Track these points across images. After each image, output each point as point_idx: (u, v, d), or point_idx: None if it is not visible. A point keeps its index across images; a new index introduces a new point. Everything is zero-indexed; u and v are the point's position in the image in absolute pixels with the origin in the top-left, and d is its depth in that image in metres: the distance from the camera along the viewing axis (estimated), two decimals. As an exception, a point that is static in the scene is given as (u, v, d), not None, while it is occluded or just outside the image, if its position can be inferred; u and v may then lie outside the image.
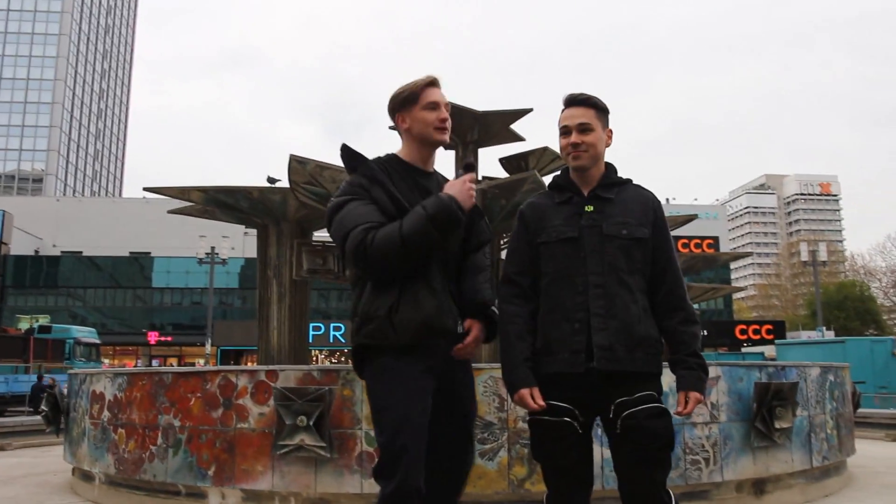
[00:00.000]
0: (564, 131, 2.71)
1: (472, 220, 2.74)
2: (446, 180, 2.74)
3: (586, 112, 2.70)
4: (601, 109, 2.73)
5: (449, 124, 2.72)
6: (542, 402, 2.53)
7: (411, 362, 2.52)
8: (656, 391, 2.57)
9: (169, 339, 50.20)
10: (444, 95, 2.72)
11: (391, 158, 2.73)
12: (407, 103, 2.68)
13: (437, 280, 2.57)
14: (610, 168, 2.77)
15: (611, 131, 2.78)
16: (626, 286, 2.59)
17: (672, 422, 2.54)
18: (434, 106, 2.66)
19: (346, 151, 2.70)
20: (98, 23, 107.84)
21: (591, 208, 2.66)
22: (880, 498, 5.61)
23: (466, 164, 2.65)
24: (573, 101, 2.73)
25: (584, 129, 2.67)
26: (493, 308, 2.71)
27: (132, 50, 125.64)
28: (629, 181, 2.79)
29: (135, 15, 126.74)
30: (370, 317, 2.54)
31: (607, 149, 2.77)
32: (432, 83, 2.69)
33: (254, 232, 8.31)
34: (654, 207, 2.72)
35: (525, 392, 2.55)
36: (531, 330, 2.65)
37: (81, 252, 53.97)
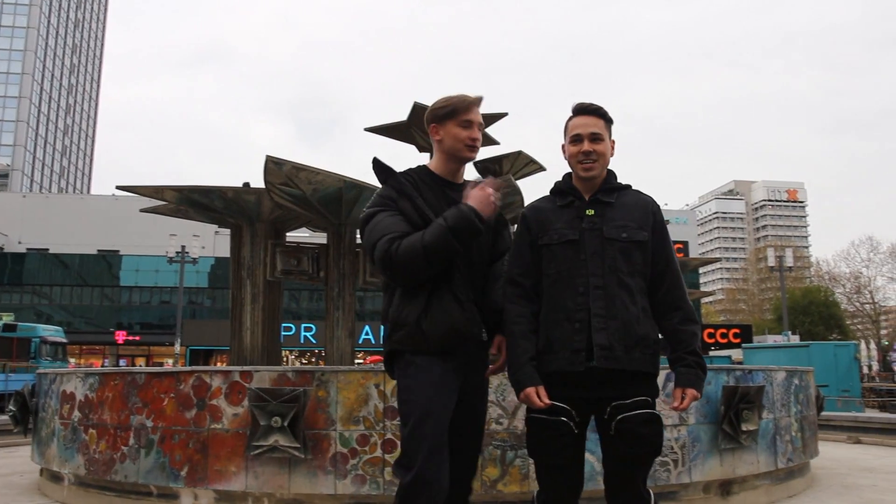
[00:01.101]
0: (576, 139, 2.79)
1: (497, 230, 2.88)
2: None
3: (597, 122, 2.80)
4: (609, 120, 2.85)
5: (479, 143, 2.83)
6: (547, 401, 2.62)
7: (440, 362, 2.64)
8: (652, 395, 2.68)
9: (137, 338, 49.50)
10: (479, 115, 2.82)
11: (421, 170, 2.85)
12: (444, 117, 2.79)
13: (462, 289, 2.68)
14: (610, 174, 2.86)
15: (614, 142, 2.87)
16: (625, 287, 2.68)
17: (662, 428, 2.66)
18: (468, 124, 2.78)
19: (378, 165, 2.80)
20: (67, 17, 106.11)
21: (592, 212, 2.76)
22: (842, 498, 5.76)
23: (484, 170, 2.74)
24: (584, 111, 2.82)
25: (596, 138, 2.77)
26: None
27: (102, 45, 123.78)
28: (629, 186, 2.88)
29: (105, 9, 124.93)
30: (400, 323, 2.67)
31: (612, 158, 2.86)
32: (473, 103, 2.79)
33: (225, 231, 8.28)
34: (653, 211, 2.82)
35: (531, 391, 2.64)
36: (535, 329, 2.73)
37: (48, 249, 53.00)
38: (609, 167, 2.86)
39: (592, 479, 4.12)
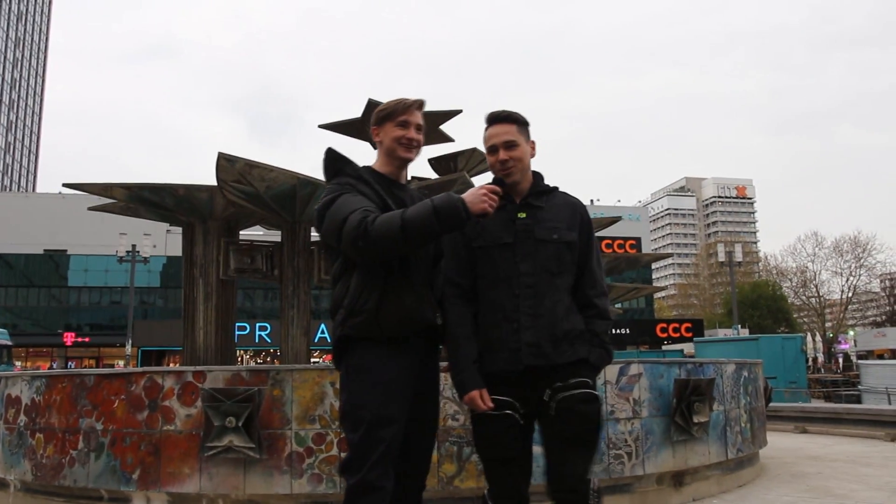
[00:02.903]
0: (491, 150, 2.87)
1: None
2: (420, 195, 2.94)
3: (509, 128, 2.87)
4: (522, 123, 2.91)
5: (416, 143, 2.89)
6: (490, 404, 2.68)
7: (391, 360, 2.64)
8: (590, 377, 2.76)
9: (86, 339, 48.38)
10: (420, 118, 2.89)
11: (367, 169, 2.88)
12: (383, 119, 2.87)
13: (417, 276, 2.73)
14: (538, 176, 2.95)
15: (533, 143, 2.95)
16: (554, 286, 2.77)
17: (601, 407, 2.76)
18: (404, 124, 2.84)
19: (332, 154, 2.85)
20: (10, 8, 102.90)
21: (524, 215, 2.83)
22: (789, 486, 5.92)
23: (496, 181, 2.82)
24: (496, 119, 2.90)
25: (509, 145, 2.84)
26: None
27: (47, 39, 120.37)
28: (556, 188, 2.97)
29: (50, 2, 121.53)
30: (357, 310, 2.65)
31: (532, 158, 2.94)
32: (411, 105, 2.86)
33: (177, 229, 8.13)
34: (581, 212, 2.93)
35: (475, 394, 2.69)
36: (476, 331, 2.79)
37: (-9, 249, 51.45)
38: (536, 169, 2.95)
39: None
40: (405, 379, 2.67)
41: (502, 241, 2.79)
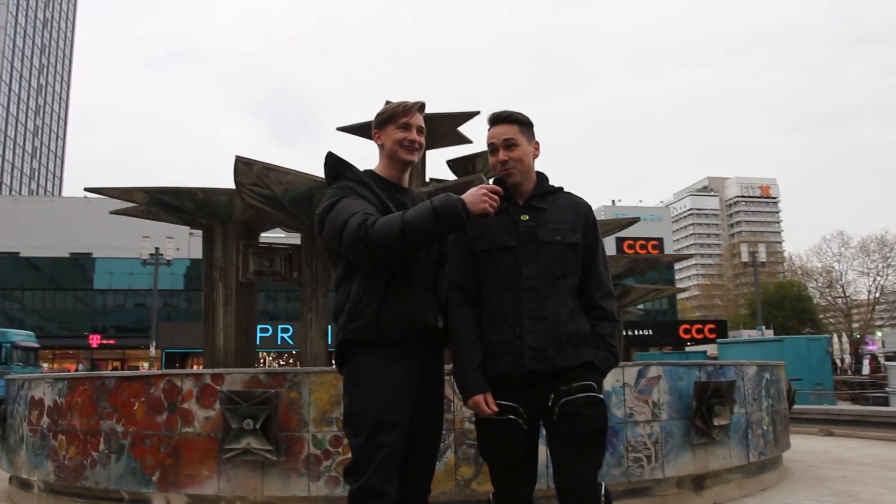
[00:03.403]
0: (492, 150, 2.86)
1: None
2: (421, 198, 2.90)
3: (510, 128, 2.84)
4: (524, 124, 2.88)
5: (418, 145, 2.87)
6: (495, 408, 2.67)
7: (393, 364, 2.63)
8: (596, 381, 2.73)
9: (111, 342, 48.90)
10: (421, 120, 2.88)
11: (369, 173, 2.87)
12: (384, 122, 2.86)
13: (418, 279, 2.72)
14: (542, 177, 2.91)
15: (537, 143, 2.91)
16: (557, 289, 2.75)
17: (607, 411, 2.72)
18: (405, 126, 2.83)
19: (332, 158, 2.84)
20: (36, 16, 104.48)
21: (527, 217, 2.81)
22: (813, 490, 5.83)
23: (497, 181, 2.80)
24: (497, 120, 2.88)
25: (509, 145, 2.82)
26: None
27: (72, 45, 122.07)
28: (561, 189, 2.94)
29: (75, 8, 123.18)
30: (358, 314, 2.66)
31: (536, 159, 2.91)
32: (411, 108, 2.85)
33: (199, 232, 8.20)
34: (585, 213, 2.89)
35: (479, 398, 2.68)
36: (480, 335, 2.77)
37: (19, 253, 52.18)
38: (540, 170, 2.92)
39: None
40: (407, 383, 2.66)
41: (505, 244, 2.77)
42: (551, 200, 2.86)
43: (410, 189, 3.00)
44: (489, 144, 2.87)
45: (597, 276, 2.86)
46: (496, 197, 2.60)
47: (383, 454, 2.54)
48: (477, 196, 2.56)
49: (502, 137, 2.82)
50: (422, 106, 2.89)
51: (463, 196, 2.56)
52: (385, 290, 2.64)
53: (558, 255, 2.76)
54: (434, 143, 8.50)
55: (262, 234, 8.41)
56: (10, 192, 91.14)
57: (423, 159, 8.33)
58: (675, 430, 5.12)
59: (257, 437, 4.54)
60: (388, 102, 3.01)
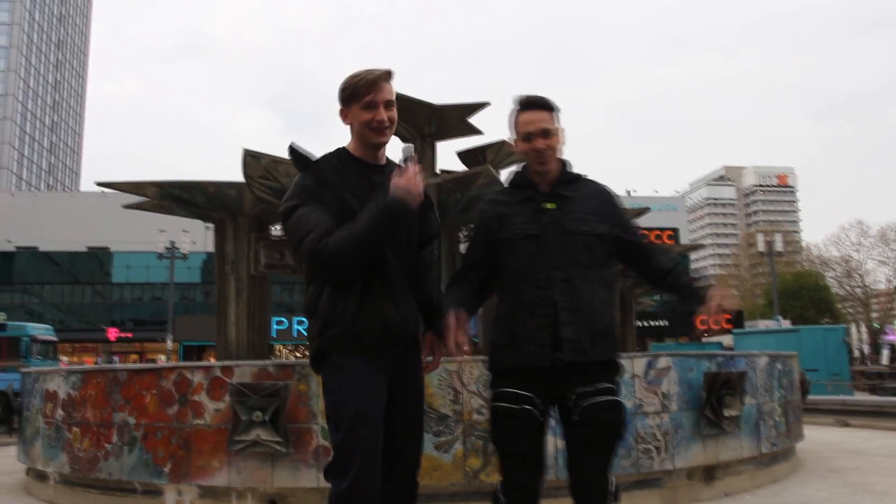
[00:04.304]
0: (527, 137, 2.74)
1: (423, 213, 2.69)
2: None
3: (545, 115, 2.76)
4: (555, 110, 2.80)
5: (387, 125, 2.61)
6: (462, 339, 2.61)
7: (367, 363, 2.52)
8: (615, 382, 2.72)
9: (129, 335, 49.37)
10: (389, 91, 2.60)
11: (341, 153, 2.67)
12: (347, 100, 2.60)
13: (396, 282, 2.56)
14: (564, 164, 2.85)
15: (563, 129, 2.84)
16: (588, 280, 2.70)
17: (625, 414, 2.71)
18: (371, 105, 2.56)
19: (295, 152, 2.63)
20: (51, 11, 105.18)
21: (553, 205, 2.74)
22: (826, 481, 5.79)
23: (407, 156, 2.53)
24: (531, 104, 2.77)
25: (547, 133, 2.73)
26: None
27: (87, 40, 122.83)
28: (583, 176, 2.88)
29: (90, 3, 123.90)
30: (332, 321, 2.51)
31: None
32: (374, 82, 2.57)
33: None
34: (610, 201, 2.86)
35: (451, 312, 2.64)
36: (469, 301, 2.77)
37: (37, 248, 52.72)
38: (563, 157, 2.86)
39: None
40: (378, 377, 2.53)
41: (529, 233, 2.71)
42: (576, 188, 2.80)
43: (388, 163, 2.72)
44: (524, 131, 2.75)
45: (651, 247, 2.91)
46: (417, 170, 2.46)
47: (365, 450, 2.42)
48: (409, 185, 2.41)
49: (540, 126, 2.73)
50: (388, 74, 2.59)
51: (396, 192, 2.41)
52: (361, 294, 2.49)
53: (585, 245, 2.71)
54: (444, 134, 8.50)
55: (273, 227, 8.44)
56: (29, 187, 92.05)
57: (432, 149, 8.33)
58: (684, 421, 5.10)
59: (266, 429, 4.57)
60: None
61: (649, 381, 5.02)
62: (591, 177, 2.91)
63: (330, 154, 2.67)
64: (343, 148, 2.70)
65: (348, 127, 2.67)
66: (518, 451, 2.69)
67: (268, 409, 4.57)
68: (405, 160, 2.52)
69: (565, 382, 2.65)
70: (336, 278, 2.52)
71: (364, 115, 2.57)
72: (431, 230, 2.78)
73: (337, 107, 2.65)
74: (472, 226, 2.83)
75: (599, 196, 2.83)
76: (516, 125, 2.80)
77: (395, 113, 2.63)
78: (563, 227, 2.70)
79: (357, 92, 2.57)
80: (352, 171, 2.60)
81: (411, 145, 2.68)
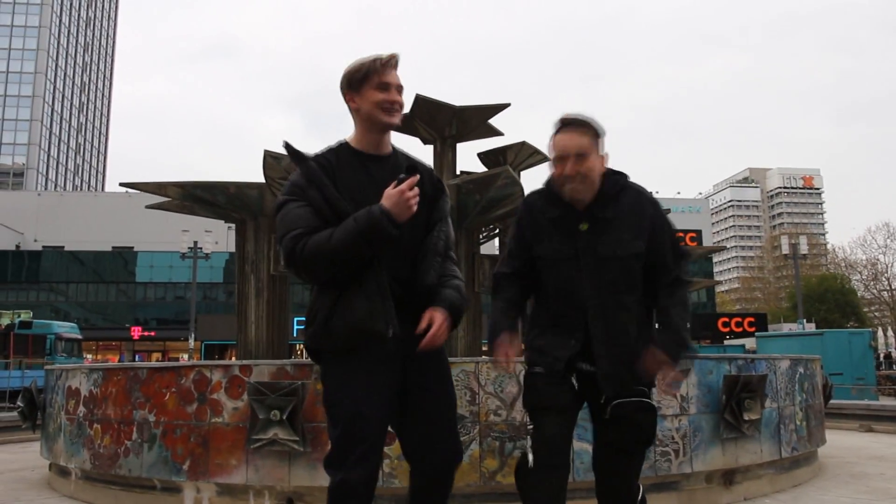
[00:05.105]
0: (559, 159, 2.60)
1: (434, 197, 2.65)
2: (407, 159, 2.66)
3: (582, 139, 2.59)
4: (599, 133, 2.63)
5: (399, 107, 2.59)
6: (513, 357, 2.61)
7: (356, 360, 2.50)
8: (648, 386, 2.67)
9: (152, 333, 49.92)
10: (398, 77, 2.59)
11: (341, 147, 2.63)
12: (358, 83, 2.56)
13: (373, 281, 2.47)
14: (608, 180, 2.66)
15: (606, 155, 2.68)
16: (623, 306, 2.62)
17: (656, 419, 2.66)
18: (384, 87, 2.54)
19: (289, 150, 2.60)
20: (79, 15, 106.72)
21: (586, 226, 2.63)
22: (848, 487, 5.71)
23: (408, 167, 2.49)
24: (569, 125, 2.62)
25: (581, 157, 2.57)
26: (449, 289, 2.60)
27: (114, 42, 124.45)
28: (625, 185, 2.70)
29: (116, 7, 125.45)
30: (312, 319, 2.55)
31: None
32: (386, 63, 2.55)
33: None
34: (649, 214, 2.68)
35: (504, 338, 2.63)
36: (517, 304, 2.74)
37: (63, 247, 53.51)
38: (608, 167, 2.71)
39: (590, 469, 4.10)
40: (378, 373, 2.48)
41: (561, 256, 2.63)
42: (614, 207, 2.63)
43: (393, 153, 2.68)
44: (556, 153, 2.61)
45: (664, 266, 2.68)
46: (416, 190, 2.40)
47: (361, 450, 2.41)
48: (402, 203, 2.37)
49: (575, 149, 2.57)
50: (396, 60, 2.58)
51: (385, 205, 2.37)
52: (339, 293, 2.47)
53: (620, 269, 2.60)
54: (465, 135, 8.49)
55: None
56: (56, 187, 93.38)
57: (453, 151, 8.32)
58: (703, 425, 5.05)
59: (284, 428, 4.59)
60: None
61: (668, 384, 4.97)
62: (633, 179, 2.74)
63: (330, 148, 2.64)
64: (344, 142, 2.66)
65: (354, 112, 2.63)
66: (554, 403, 2.58)
67: (285, 408, 4.59)
68: (405, 174, 2.44)
69: (596, 386, 2.63)
70: (309, 282, 2.56)
71: (377, 95, 2.54)
72: (438, 214, 2.68)
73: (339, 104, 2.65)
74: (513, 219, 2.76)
75: (639, 208, 2.66)
76: (552, 147, 2.66)
77: (403, 99, 2.62)
78: (597, 252, 2.60)
79: (370, 73, 2.54)
80: (348, 167, 2.57)
81: (414, 161, 2.67)
